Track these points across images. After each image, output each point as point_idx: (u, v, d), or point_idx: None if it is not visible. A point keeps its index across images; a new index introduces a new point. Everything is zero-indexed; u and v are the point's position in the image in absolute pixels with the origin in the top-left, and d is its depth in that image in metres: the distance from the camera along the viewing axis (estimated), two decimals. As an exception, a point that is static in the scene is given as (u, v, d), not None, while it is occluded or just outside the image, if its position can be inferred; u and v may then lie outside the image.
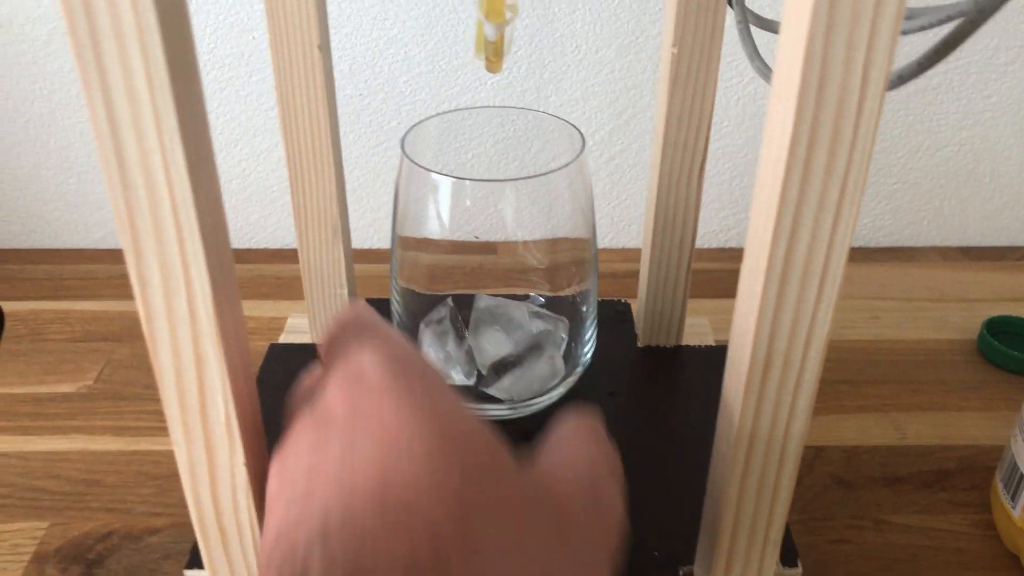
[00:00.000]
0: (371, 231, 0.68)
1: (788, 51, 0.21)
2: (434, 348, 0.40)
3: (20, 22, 0.58)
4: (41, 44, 0.59)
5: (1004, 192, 0.66)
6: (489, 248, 0.39)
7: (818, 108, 0.21)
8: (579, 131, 0.38)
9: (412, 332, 0.41)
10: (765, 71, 0.32)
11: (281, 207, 0.66)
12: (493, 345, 0.40)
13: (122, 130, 0.20)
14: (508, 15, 0.35)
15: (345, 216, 0.44)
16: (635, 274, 0.48)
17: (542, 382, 0.40)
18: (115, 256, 0.65)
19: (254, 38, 0.59)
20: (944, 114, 0.63)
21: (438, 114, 0.40)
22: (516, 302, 0.42)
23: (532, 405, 0.40)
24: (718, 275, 0.64)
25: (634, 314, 0.49)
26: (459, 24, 0.58)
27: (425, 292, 0.42)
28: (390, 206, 0.64)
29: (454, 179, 0.36)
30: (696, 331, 0.49)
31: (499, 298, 0.42)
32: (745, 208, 0.68)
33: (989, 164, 0.65)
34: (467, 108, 0.43)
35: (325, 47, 0.38)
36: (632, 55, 0.60)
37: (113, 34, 0.19)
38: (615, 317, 0.49)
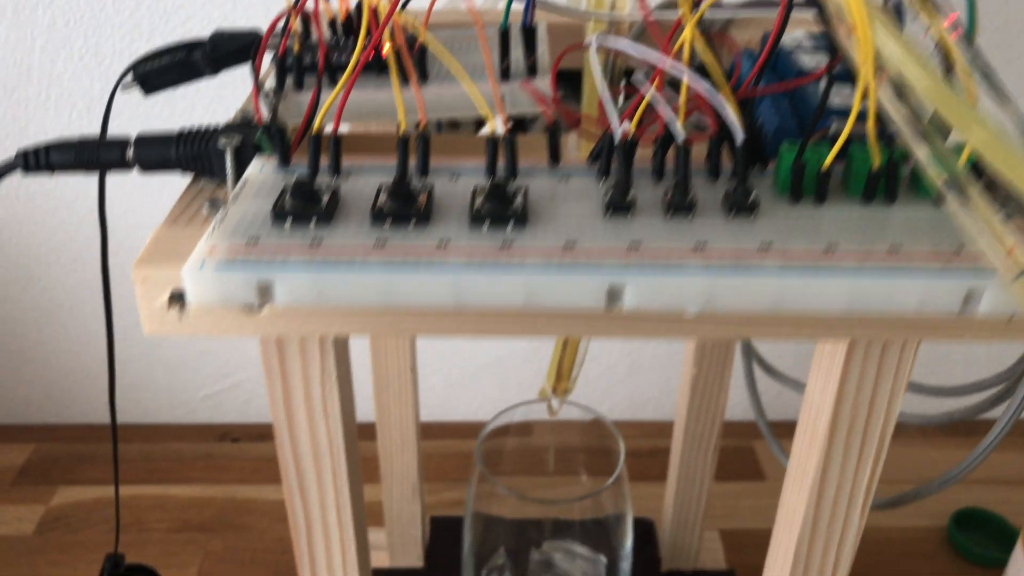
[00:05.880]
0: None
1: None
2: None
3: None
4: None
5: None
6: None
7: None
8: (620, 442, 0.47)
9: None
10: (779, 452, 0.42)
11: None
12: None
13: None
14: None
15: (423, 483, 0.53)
16: (655, 452, 0.57)
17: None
18: (199, 433, 0.74)
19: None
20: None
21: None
22: (562, 552, 0.51)
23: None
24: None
25: (657, 530, 0.59)
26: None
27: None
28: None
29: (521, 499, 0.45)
30: (707, 545, 0.58)
31: (548, 552, 0.51)
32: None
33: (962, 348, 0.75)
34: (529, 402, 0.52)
35: (415, 368, 0.48)
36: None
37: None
38: (640, 536, 0.58)
